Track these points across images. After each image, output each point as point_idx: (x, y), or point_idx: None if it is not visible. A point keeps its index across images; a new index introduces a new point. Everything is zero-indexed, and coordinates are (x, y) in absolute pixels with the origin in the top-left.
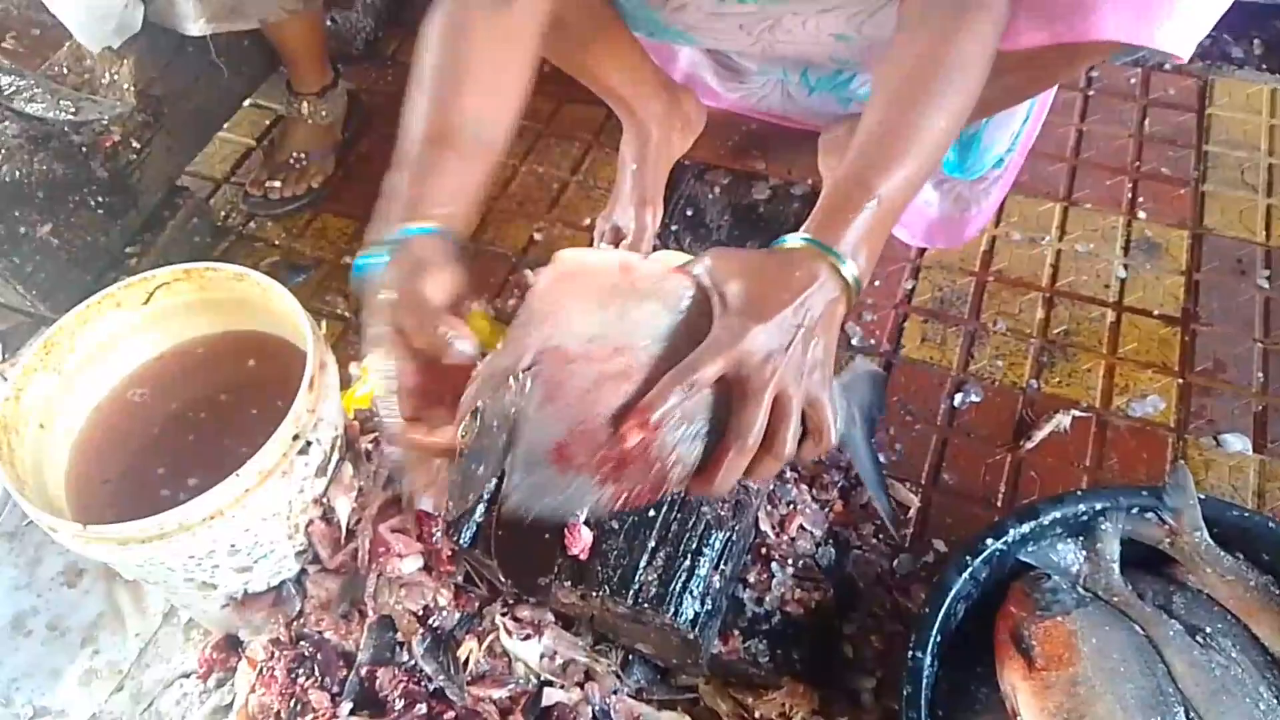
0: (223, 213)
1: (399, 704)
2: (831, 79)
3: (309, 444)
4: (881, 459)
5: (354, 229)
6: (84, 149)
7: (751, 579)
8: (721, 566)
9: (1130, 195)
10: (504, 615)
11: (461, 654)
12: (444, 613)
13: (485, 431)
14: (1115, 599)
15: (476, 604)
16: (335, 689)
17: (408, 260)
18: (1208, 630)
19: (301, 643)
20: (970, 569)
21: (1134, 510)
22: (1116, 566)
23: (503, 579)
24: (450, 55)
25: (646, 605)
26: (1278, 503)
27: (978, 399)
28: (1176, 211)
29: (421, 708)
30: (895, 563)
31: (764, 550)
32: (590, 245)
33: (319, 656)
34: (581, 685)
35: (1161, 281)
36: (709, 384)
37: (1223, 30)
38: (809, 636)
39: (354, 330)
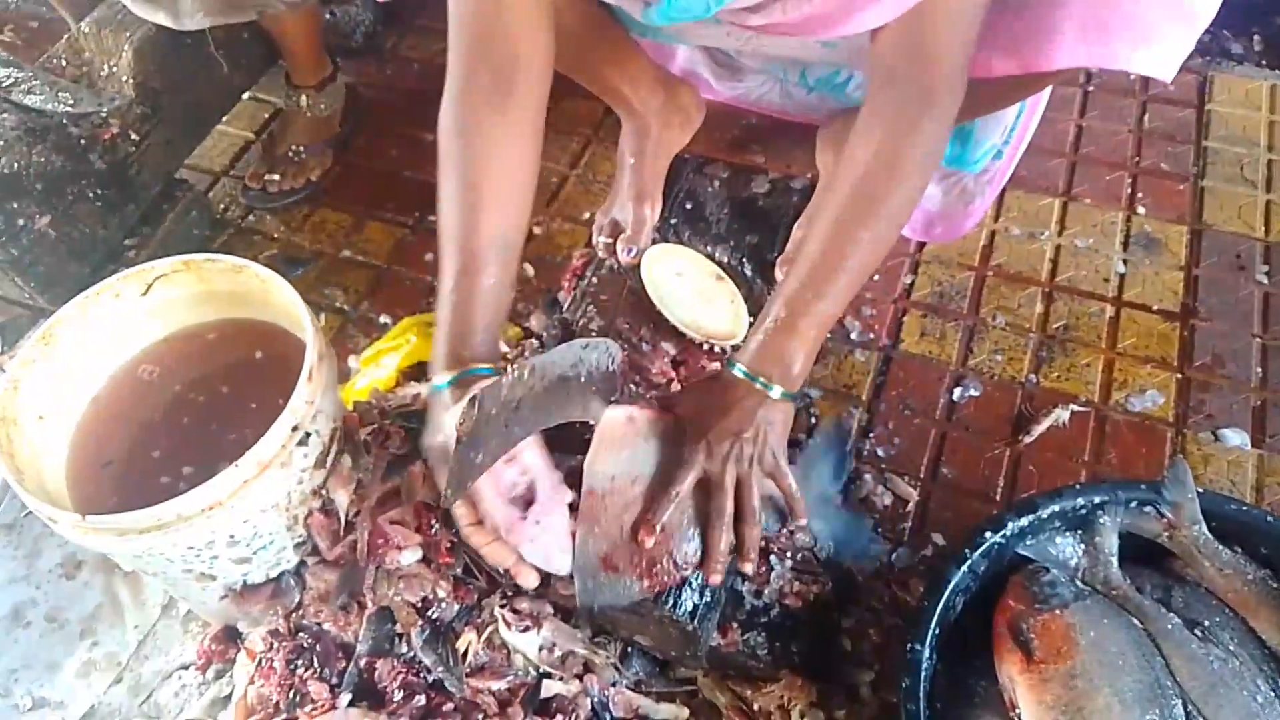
0: (221, 206)
1: (398, 695)
2: (829, 79)
3: (308, 436)
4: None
5: (352, 222)
6: (82, 141)
7: (750, 572)
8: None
9: (1130, 191)
10: (503, 607)
11: (460, 646)
12: (443, 604)
13: (484, 420)
14: (1114, 592)
15: (475, 596)
16: (334, 680)
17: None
18: (1206, 624)
19: (300, 634)
20: (969, 562)
21: (1132, 504)
22: (1115, 560)
23: (502, 571)
24: (466, 172)
25: (645, 598)
26: (1276, 497)
27: (977, 393)
28: (1176, 207)
29: (420, 699)
30: (894, 556)
31: (763, 543)
32: (589, 239)
33: (318, 648)
34: (580, 677)
35: (1161, 277)
36: (689, 491)
37: (1222, 26)
38: (808, 630)
39: (352, 323)
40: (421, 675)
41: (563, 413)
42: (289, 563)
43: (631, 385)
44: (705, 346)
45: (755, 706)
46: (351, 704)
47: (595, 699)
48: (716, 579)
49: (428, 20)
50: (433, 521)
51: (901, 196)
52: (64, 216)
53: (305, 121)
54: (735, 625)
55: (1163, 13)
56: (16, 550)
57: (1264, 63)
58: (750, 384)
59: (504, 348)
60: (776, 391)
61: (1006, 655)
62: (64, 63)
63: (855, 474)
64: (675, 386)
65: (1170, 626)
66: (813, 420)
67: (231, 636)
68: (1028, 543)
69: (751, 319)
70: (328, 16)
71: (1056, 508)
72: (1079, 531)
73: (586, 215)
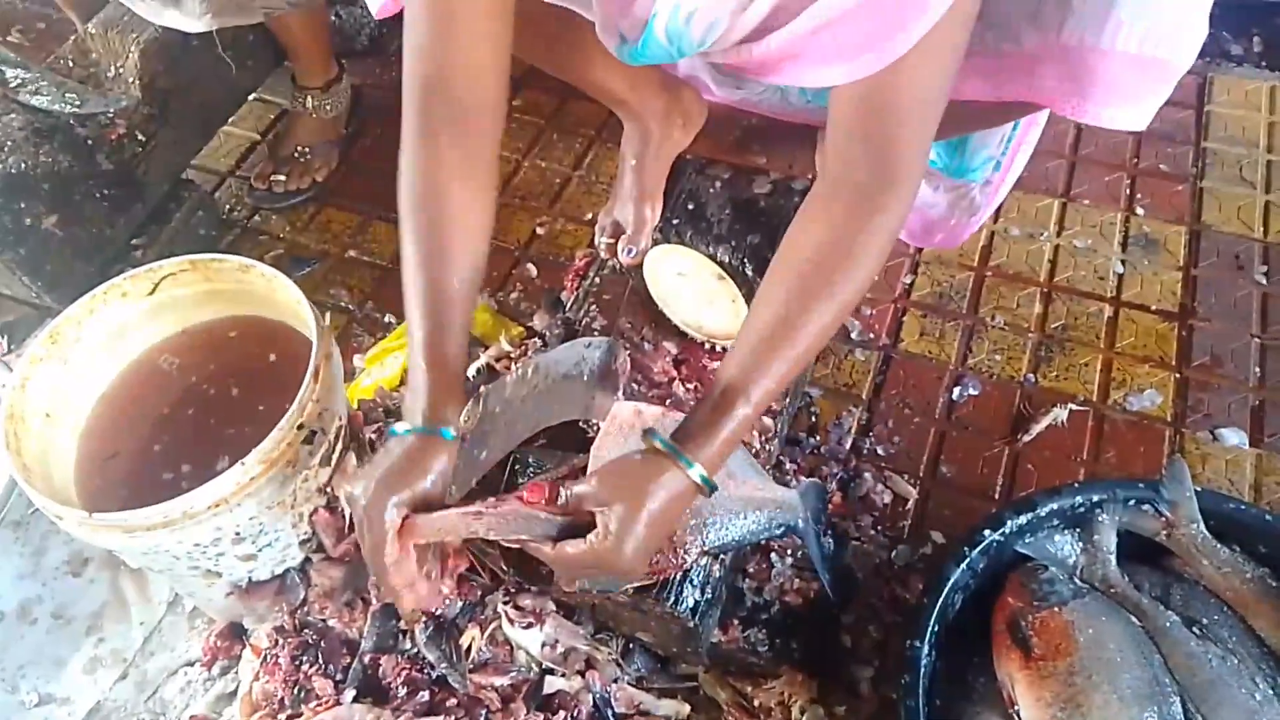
0: (227, 206)
1: (402, 691)
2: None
3: (313, 434)
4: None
5: (357, 222)
6: (89, 142)
7: (751, 569)
8: (721, 556)
9: (1129, 191)
10: (506, 604)
11: (464, 642)
12: (446, 601)
13: (487, 418)
14: (1112, 590)
15: (479, 593)
16: (339, 676)
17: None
18: (1204, 621)
19: (305, 631)
20: (968, 560)
21: (1131, 502)
22: (1113, 558)
23: (505, 568)
24: (429, 218)
25: (647, 594)
26: (1275, 496)
27: (976, 392)
28: (1175, 208)
29: (424, 695)
30: (893, 554)
31: (762, 542)
32: (592, 240)
33: (323, 644)
34: (582, 673)
35: (1159, 277)
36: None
37: (1222, 28)
38: (808, 626)
39: (358, 322)
40: (425, 671)
41: (565, 411)
42: (294, 560)
43: (633, 384)
44: (707, 346)
45: (756, 702)
46: (356, 700)
47: (597, 695)
48: None
49: None
50: None
51: (855, 285)
52: (71, 216)
53: (311, 122)
54: (736, 622)
55: (1137, 72)
56: (23, 547)
57: (1263, 64)
58: (677, 463)
59: (507, 346)
60: (696, 472)
61: (1005, 652)
62: (71, 63)
63: (855, 473)
64: (677, 385)
65: (1168, 624)
66: (813, 419)
67: (237, 633)
68: (1026, 541)
69: None
70: (333, 18)
71: (1055, 506)
72: (1077, 530)
73: (589, 216)
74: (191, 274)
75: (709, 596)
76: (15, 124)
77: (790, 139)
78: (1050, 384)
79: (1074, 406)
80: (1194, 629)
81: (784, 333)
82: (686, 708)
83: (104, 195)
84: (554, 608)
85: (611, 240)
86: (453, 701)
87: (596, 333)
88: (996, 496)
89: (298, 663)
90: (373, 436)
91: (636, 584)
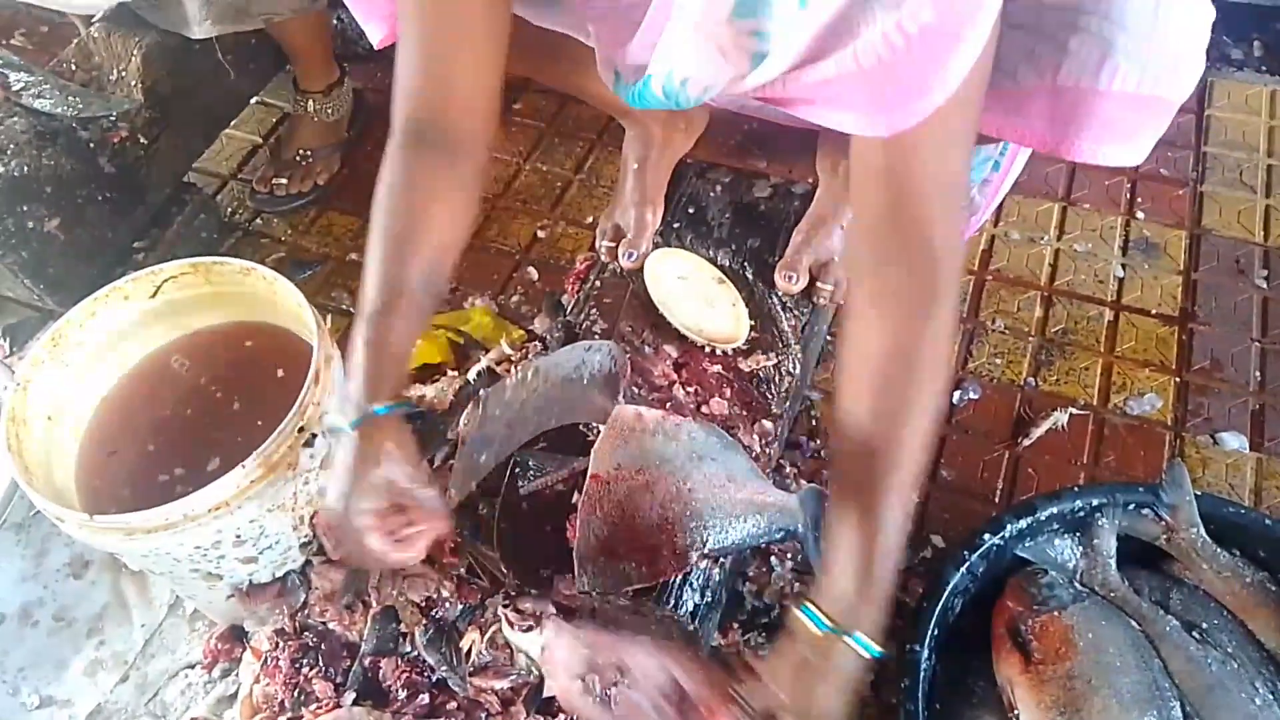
0: (229, 209)
1: (402, 694)
2: None
3: (314, 437)
4: None
5: (359, 226)
6: (92, 145)
7: (751, 573)
8: (721, 560)
9: (1129, 195)
10: (506, 607)
11: (464, 645)
12: (447, 604)
13: (487, 421)
14: (1112, 594)
15: (479, 596)
16: (339, 679)
17: (371, 452)
18: (1204, 626)
19: (306, 633)
20: (968, 564)
21: (1131, 507)
22: (1113, 562)
23: (505, 571)
24: (402, 217)
25: (647, 598)
26: (1275, 501)
27: (976, 396)
28: (1175, 212)
29: (424, 698)
30: None
31: (762, 545)
32: (593, 243)
33: (323, 647)
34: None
35: (1159, 281)
36: None
37: (1222, 32)
38: None
39: None
40: (425, 674)
41: (565, 414)
42: (295, 562)
43: (634, 388)
44: (707, 349)
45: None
46: (356, 703)
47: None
48: None
49: None
50: None
51: (934, 391)
52: (73, 219)
53: (313, 126)
54: (736, 625)
55: (1134, 110)
56: (25, 549)
57: (1264, 68)
58: (848, 647)
59: (508, 349)
60: (866, 647)
61: (1005, 656)
62: (74, 67)
63: None
64: (678, 389)
65: (1168, 628)
66: (814, 422)
67: (237, 635)
68: (1026, 545)
69: (753, 322)
70: (335, 22)
71: (1055, 510)
72: (1077, 534)
73: (590, 219)
74: (193, 277)
75: (709, 600)
76: (18, 127)
77: (791, 144)
78: (1050, 388)
79: (1074, 410)
80: (1194, 633)
81: (885, 461)
82: None
83: (106, 198)
84: (554, 611)
85: (612, 244)
86: (453, 704)
87: (597, 336)
88: (996, 500)
89: (298, 665)
90: None
91: (637, 587)
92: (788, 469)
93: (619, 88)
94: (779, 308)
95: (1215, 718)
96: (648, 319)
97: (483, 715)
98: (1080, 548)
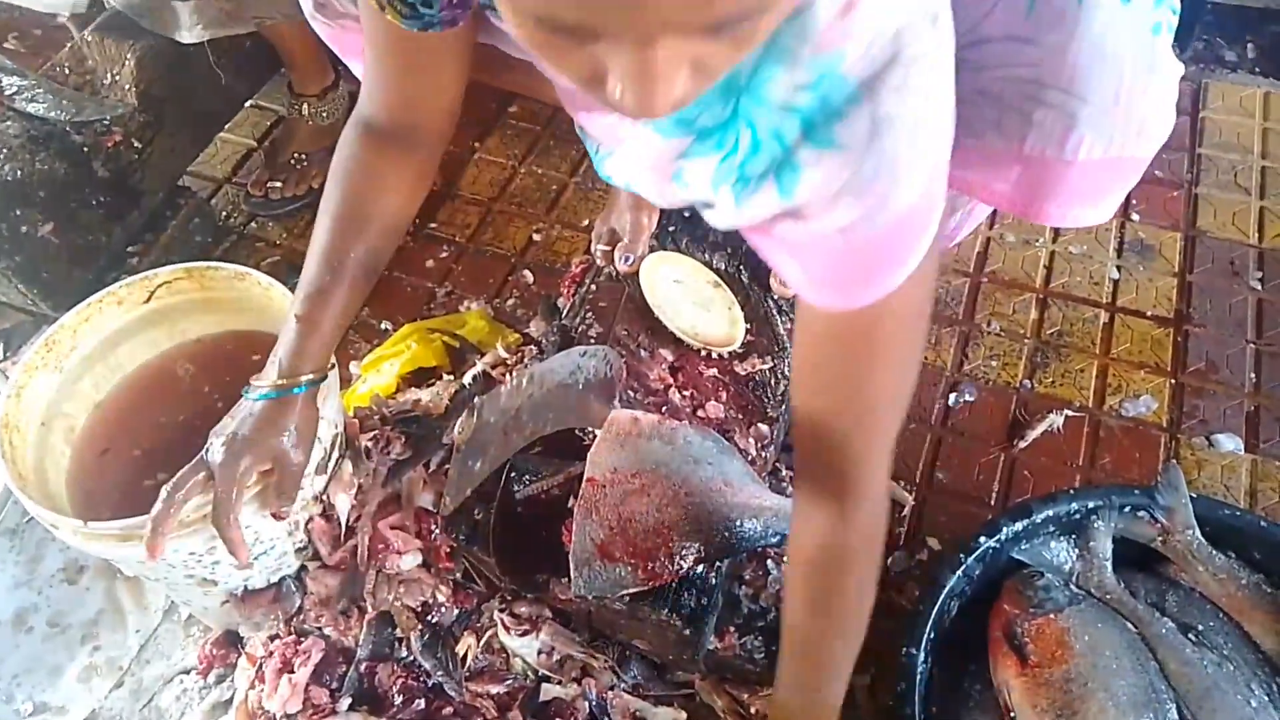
0: (224, 213)
1: (398, 699)
2: None
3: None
4: None
5: None
6: (86, 149)
7: (747, 576)
8: (718, 564)
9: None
10: (502, 612)
11: (460, 650)
12: (442, 609)
13: (482, 427)
14: (1108, 597)
15: (475, 600)
16: (334, 684)
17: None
18: (1200, 628)
19: (301, 639)
20: (964, 566)
21: (1126, 509)
22: (1109, 565)
23: (501, 576)
24: (353, 199)
25: (643, 601)
26: (1270, 502)
27: (972, 398)
28: (1170, 214)
29: (420, 703)
30: (889, 560)
31: (759, 549)
32: (588, 247)
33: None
34: (579, 681)
35: (1154, 283)
36: None
37: (1217, 34)
38: None
39: (353, 329)
40: (421, 679)
41: (561, 420)
42: (290, 568)
43: (630, 392)
44: (703, 353)
45: (752, 710)
46: (352, 708)
47: (593, 702)
48: None
49: None
50: (432, 527)
51: (856, 587)
52: (67, 224)
53: (307, 130)
54: (732, 629)
55: (1102, 173)
56: (19, 556)
57: (1258, 70)
58: None
59: (503, 353)
60: None
61: (1001, 659)
62: (68, 71)
63: None
64: (673, 392)
65: (1164, 631)
66: None
67: (233, 641)
68: (1022, 547)
69: (748, 325)
70: None
71: (1051, 512)
72: (1073, 536)
73: (586, 223)
74: (187, 282)
75: (705, 604)
76: (11, 131)
77: None
78: (1046, 390)
79: (1070, 412)
80: (1189, 635)
81: (821, 655)
82: (683, 715)
83: (100, 202)
84: (550, 615)
85: (608, 247)
86: (449, 710)
87: (593, 339)
88: (992, 503)
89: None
90: (368, 444)
91: (633, 590)
92: (784, 472)
93: (590, 147)
94: (774, 311)
95: (1211, 719)
96: (643, 322)
97: None
98: (1076, 550)
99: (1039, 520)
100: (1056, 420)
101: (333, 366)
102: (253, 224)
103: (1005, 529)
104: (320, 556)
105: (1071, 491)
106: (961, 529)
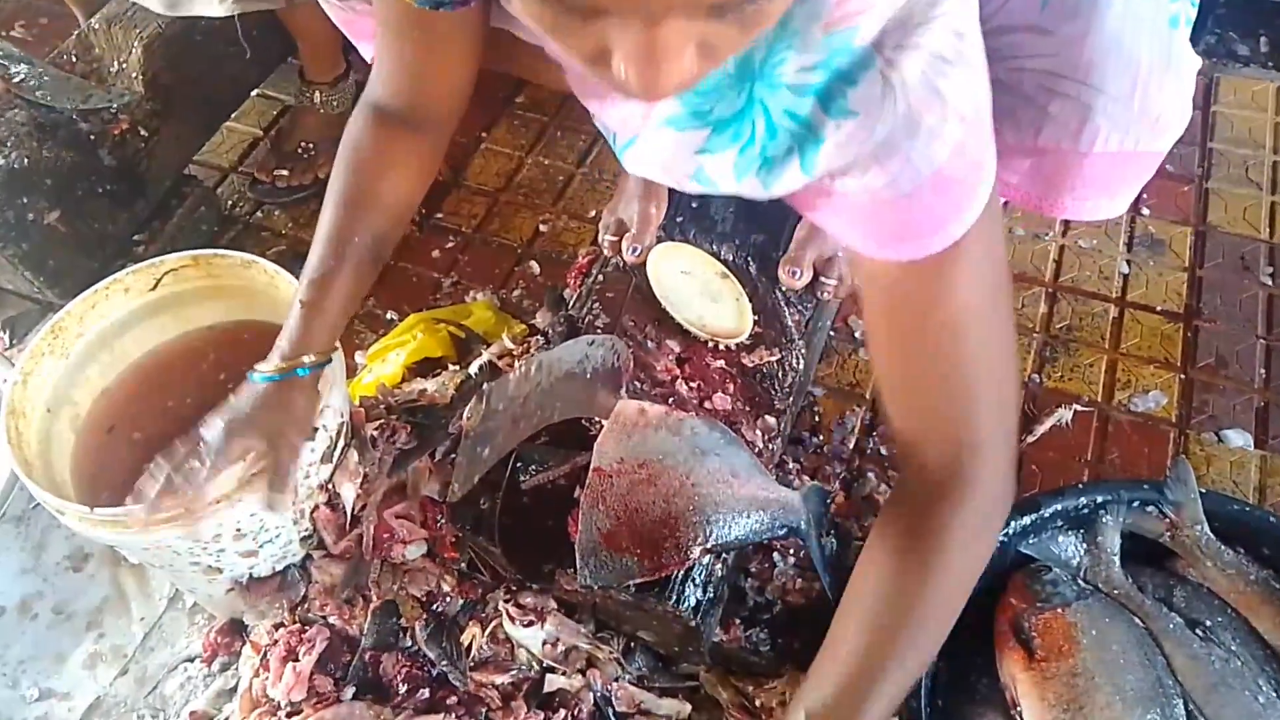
0: (230, 202)
1: (402, 689)
2: None
3: (315, 430)
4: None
5: None
6: (92, 137)
7: (753, 568)
8: (724, 555)
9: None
10: (507, 602)
11: (464, 640)
12: (447, 599)
13: (490, 415)
14: (1115, 592)
15: (480, 590)
16: (339, 673)
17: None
18: (1208, 624)
19: (306, 627)
20: None
21: (1135, 504)
22: (1117, 559)
23: (506, 566)
24: (362, 180)
25: (649, 593)
26: (1279, 498)
27: None
28: (1180, 208)
29: (424, 693)
30: None
31: (765, 541)
32: (595, 238)
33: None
34: (583, 672)
35: (1164, 278)
36: None
37: (1229, 28)
38: (810, 626)
39: (359, 318)
40: (425, 669)
41: (568, 409)
42: (295, 556)
43: (636, 383)
44: (710, 344)
45: (757, 702)
46: (356, 696)
47: (598, 694)
48: None
49: None
50: (438, 516)
51: (936, 604)
52: (73, 211)
53: (317, 118)
54: (738, 621)
55: (1117, 168)
56: (24, 543)
57: (1270, 64)
58: None
59: (509, 344)
60: None
61: (1008, 653)
62: (74, 59)
63: (858, 473)
64: (680, 384)
65: (1172, 626)
66: (816, 418)
67: (237, 629)
68: (1030, 541)
69: (756, 317)
70: None
71: (1059, 507)
72: (1081, 531)
73: (593, 213)
74: (194, 269)
75: (711, 595)
76: (18, 119)
77: None
78: (1055, 384)
79: (1078, 407)
80: (1197, 631)
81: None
82: (688, 707)
83: (106, 191)
84: (555, 606)
85: (615, 238)
86: (453, 699)
87: (599, 331)
88: None
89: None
90: (374, 434)
91: (638, 581)
92: (790, 465)
93: (601, 128)
94: (783, 303)
95: (1219, 716)
96: (650, 314)
97: (483, 710)
98: (1084, 545)
99: (1047, 514)
100: (1065, 415)
101: (336, 349)
102: (258, 213)
103: (1013, 523)
104: (325, 545)
105: (1080, 486)
106: None
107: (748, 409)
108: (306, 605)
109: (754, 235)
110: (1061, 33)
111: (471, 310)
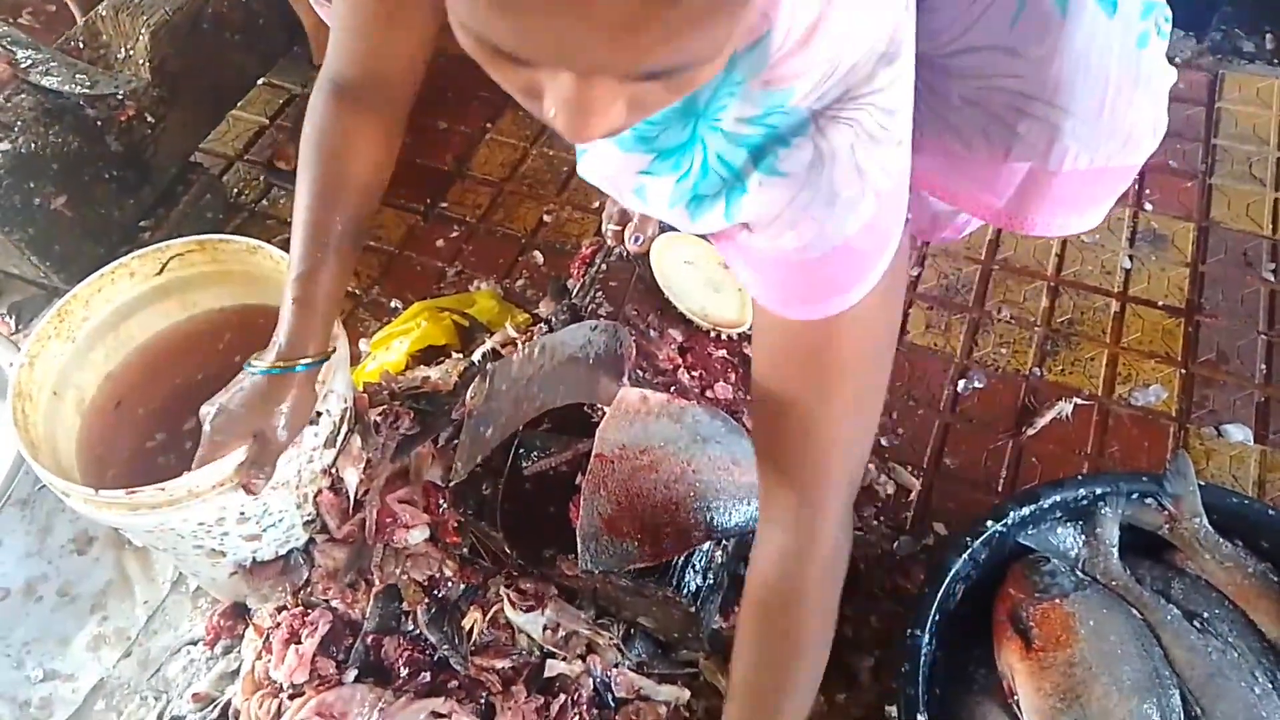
0: (235, 189)
1: (403, 672)
2: None
3: (319, 415)
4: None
5: None
6: (99, 123)
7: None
8: (724, 542)
9: (1137, 187)
10: (508, 587)
11: (465, 624)
12: (449, 584)
13: (494, 395)
14: (1113, 583)
15: (481, 576)
16: (341, 656)
17: (276, 398)
18: (1205, 615)
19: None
20: (970, 550)
21: (1134, 496)
22: (1115, 551)
23: (508, 551)
24: (329, 166)
25: (649, 579)
26: (1278, 492)
27: (981, 385)
28: (1183, 204)
29: (425, 676)
30: (895, 544)
31: None
32: (598, 228)
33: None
34: (583, 658)
35: (1166, 273)
36: None
37: (1234, 24)
38: None
39: (364, 306)
40: (427, 653)
41: (571, 393)
42: (298, 540)
43: (639, 371)
44: (712, 334)
45: None
46: (358, 679)
47: (598, 679)
48: None
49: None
50: (440, 501)
51: (802, 657)
52: (80, 197)
53: None
54: (737, 608)
55: (1088, 184)
56: (30, 525)
57: (1275, 61)
58: None
59: (512, 333)
60: None
61: (1006, 643)
62: (81, 45)
63: None
64: (682, 373)
65: (1169, 617)
66: None
67: (240, 612)
68: (1029, 532)
69: None
70: None
71: (1058, 498)
72: (1080, 522)
73: (596, 204)
74: (199, 254)
75: (711, 582)
76: (25, 104)
77: None
78: (1056, 378)
79: (1079, 401)
80: (1194, 622)
81: (768, 695)
82: (686, 693)
83: (113, 177)
84: (555, 592)
85: (618, 228)
86: (454, 683)
87: (603, 319)
88: (999, 489)
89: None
90: (377, 419)
91: (639, 566)
92: None
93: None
94: None
95: (1215, 706)
96: (653, 303)
97: (484, 694)
98: (1083, 536)
99: (1046, 505)
100: (1065, 408)
101: (339, 336)
102: (264, 201)
103: (1012, 514)
104: (328, 529)
105: (1079, 478)
106: (968, 515)
107: (749, 398)
108: (309, 589)
109: None
110: (1029, 54)
111: (475, 299)
